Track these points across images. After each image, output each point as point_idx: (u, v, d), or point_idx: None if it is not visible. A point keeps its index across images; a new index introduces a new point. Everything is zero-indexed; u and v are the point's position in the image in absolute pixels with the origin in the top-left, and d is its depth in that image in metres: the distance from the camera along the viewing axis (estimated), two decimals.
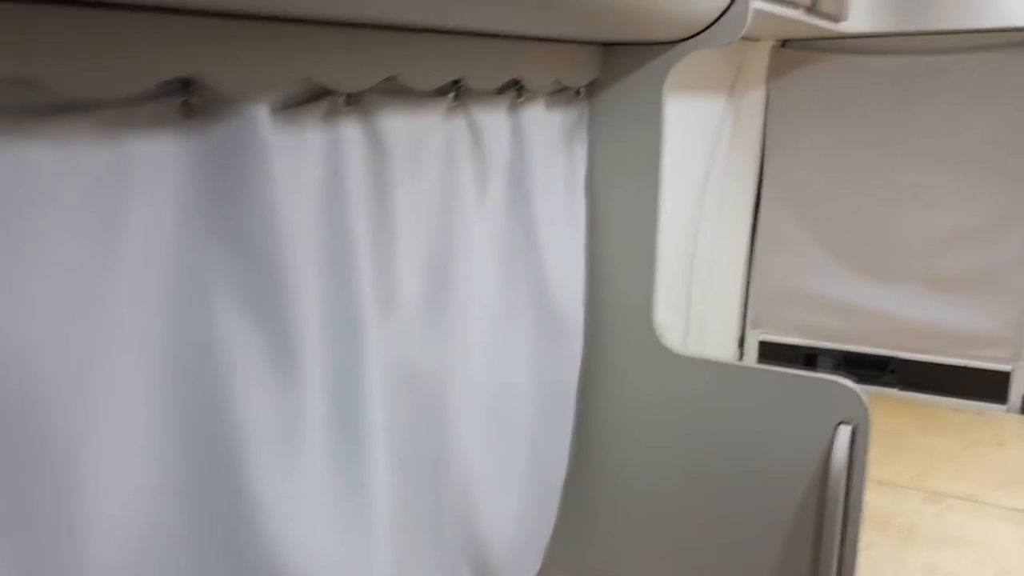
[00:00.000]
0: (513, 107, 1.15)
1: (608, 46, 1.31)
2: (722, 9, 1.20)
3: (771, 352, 2.50)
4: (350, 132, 0.85)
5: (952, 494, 1.79)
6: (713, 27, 1.22)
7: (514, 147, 1.17)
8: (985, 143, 2.13)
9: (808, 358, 2.45)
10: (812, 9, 1.66)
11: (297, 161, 0.78)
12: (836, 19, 1.88)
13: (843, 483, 1.23)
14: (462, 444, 1.10)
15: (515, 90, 1.14)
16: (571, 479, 1.42)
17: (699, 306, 2.44)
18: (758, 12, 1.34)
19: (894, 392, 2.35)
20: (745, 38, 2.30)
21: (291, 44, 0.75)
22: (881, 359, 2.36)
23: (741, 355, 2.55)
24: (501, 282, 1.19)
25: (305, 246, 0.78)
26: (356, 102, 0.86)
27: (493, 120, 1.10)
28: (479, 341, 1.13)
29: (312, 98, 0.81)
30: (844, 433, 1.23)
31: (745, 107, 2.36)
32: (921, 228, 2.24)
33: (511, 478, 1.25)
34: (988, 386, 2.25)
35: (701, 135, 2.22)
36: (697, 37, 1.23)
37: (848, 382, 1.22)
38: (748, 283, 2.50)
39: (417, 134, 0.95)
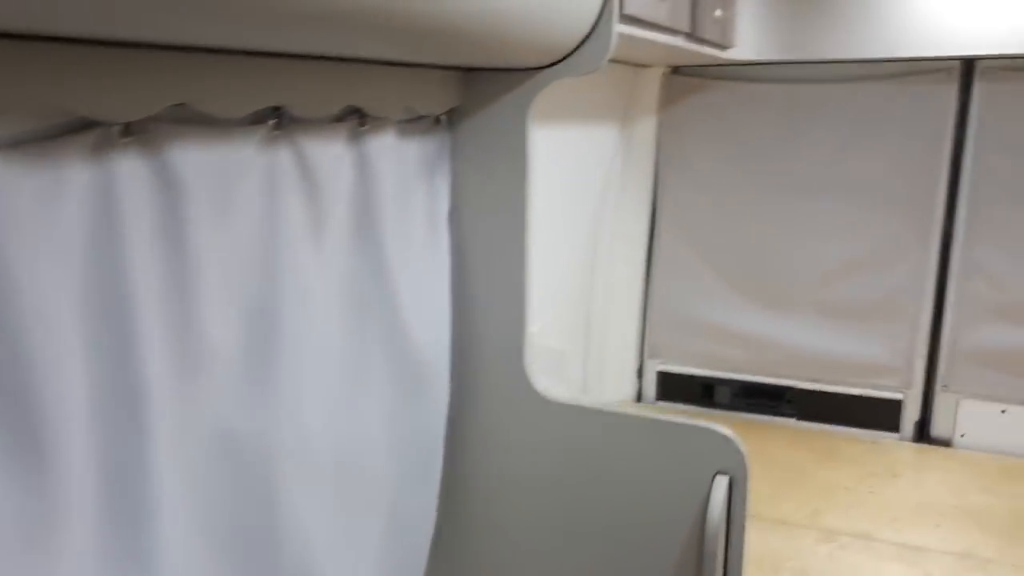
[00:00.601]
0: (355, 137, 1.04)
1: (469, 71, 1.22)
2: (584, 35, 1.12)
3: (670, 383, 2.44)
4: (128, 168, 0.73)
5: (846, 532, 1.75)
6: (576, 53, 1.14)
7: (358, 181, 1.06)
8: (873, 173, 2.13)
9: (706, 388, 2.41)
10: (693, 36, 1.61)
11: (45, 205, 0.65)
12: (722, 46, 1.84)
13: (721, 536, 1.15)
14: (299, 518, 0.97)
15: (357, 118, 1.03)
16: (440, 537, 1.31)
17: (598, 337, 2.37)
18: (627, 38, 1.28)
19: (791, 422, 2.32)
20: (634, 64, 2.27)
21: (36, 66, 0.63)
22: (778, 389, 2.33)
23: (640, 386, 2.49)
24: (347, 330, 1.07)
25: (58, 308, 0.65)
26: (137, 133, 0.74)
27: (328, 151, 0.98)
28: (317, 398, 1.01)
29: (74, 130, 0.68)
30: (721, 484, 1.15)
31: (638, 134, 2.32)
32: (813, 257, 2.22)
33: (366, 547, 1.13)
34: (882, 415, 2.24)
35: (593, 163, 2.16)
36: (560, 64, 1.15)
37: (726, 430, 1.15)
38: (646, 313, 2.45)
39: (223, 168, 0.83)
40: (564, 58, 1.15)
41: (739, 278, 2.31)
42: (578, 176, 2.08)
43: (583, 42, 1.13)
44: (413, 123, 1.16)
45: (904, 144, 2.09)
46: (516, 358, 1.27)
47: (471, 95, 1.23)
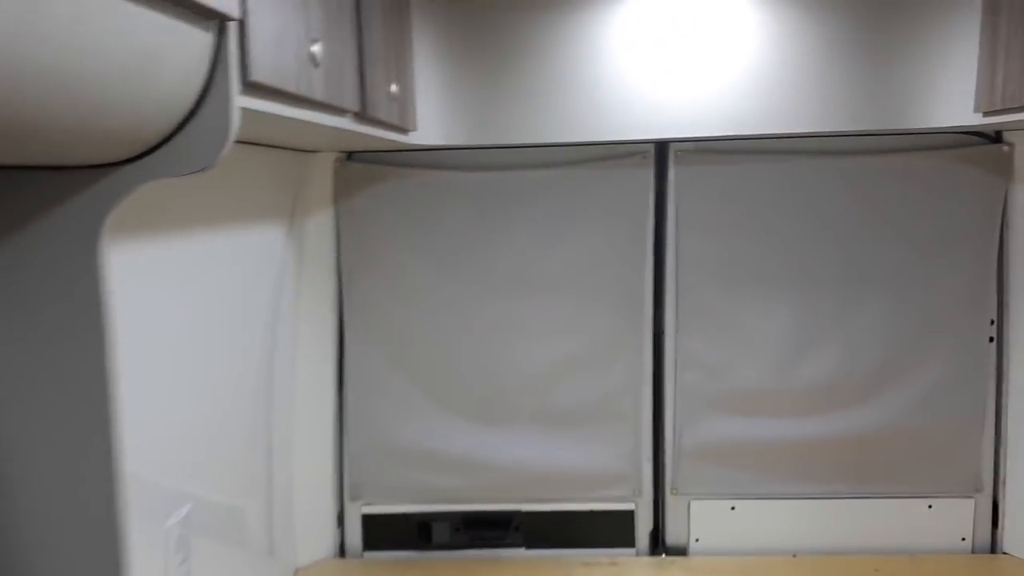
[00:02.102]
0: None
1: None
2: (183, 115, 0.70)
3: (378, 527, 2.02)
4: None
5: None
6: (173, 142, 0.72)
7: None
8: (580, 264, 1.93)
9: (422, 528, 2.02)
10: (365, 116, 1.27)
11: None
12: (402, 129, 1.52)
13: None
14: None
15: None
16: None
17: (283, 482, 1.88)
18: (264, 117, 0.88)
19: (521, 553, 2.01)
20: (297, 149, 1.88)
21: None
22: (504, 516, 2.01)
23: (343, 536, 2.04)
24: None
25: None
26: None
27: None
28: None
29: None
30: None
31: (312, 231, 1.92)
32: (526, 361, 1.96)
33: None
34: (616, 529, 2.01)
35: (256, 270, 1.71)
36: (149, 157, 0.72)
37: None
38: (342, 445, 2.02)
39: None
40: (155, 148, 0.72)
41: (445, 392, 1.97)
42: (237, 289, 1.62)
43: (183, 124, 0.71)
44: None
45: (609, 232, 1.92)
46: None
47: (6, 204, 0.75)
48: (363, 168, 1.93)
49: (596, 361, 1.95)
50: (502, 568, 1.95)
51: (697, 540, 1.99)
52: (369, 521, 2.02)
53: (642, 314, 1.95)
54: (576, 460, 1.98)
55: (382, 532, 2.02)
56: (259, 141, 1.52)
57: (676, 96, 1.73)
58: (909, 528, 1.96)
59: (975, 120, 1.58)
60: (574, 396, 1.96)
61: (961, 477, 1.96)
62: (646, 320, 1.95)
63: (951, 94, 1.66)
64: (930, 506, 1.96)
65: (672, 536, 2.01)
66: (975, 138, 1.87)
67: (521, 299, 1.95)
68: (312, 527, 1.98)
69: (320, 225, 1.93)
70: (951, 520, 1.96)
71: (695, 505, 1.99)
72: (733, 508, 1.99)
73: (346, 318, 1.97)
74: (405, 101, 1.50)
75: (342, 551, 2.03)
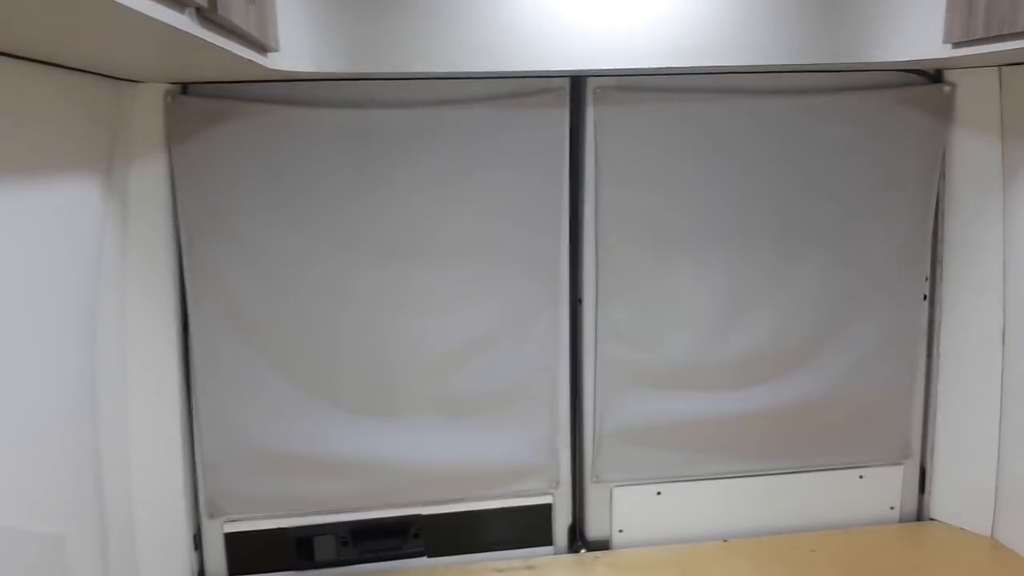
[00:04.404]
0: None
1: None
2: None
3: (246, 547, 1.66)
4: None
5: None
6: None
7: None
8: (482, 223, 1.62)
9: (301, 544, 1.68)
10: (211, 18, 0.88)
11: None
12: (260, 47, 1.13)
13: None
14: None
15: None
16: None
17: (118, 503, 1.49)
18: None
19: (422, 563, 1.71)
20: (116, 77, 1.43)
21: None
22: (400, 523, 1.70)
23: (200, 560, 1.66)
24: None
25: None
26: None
27: None
28: None
29: None
30: None
31: (139, 186, 1.49)
32: (419, 342, 1.64)
33: None
34: (532, 527, 1.75)
35: (57, 241, 1.28)
36: None
37: None
38: (193, 452, 1.63)
39: None
40: None
41: (323, 382, 1.62)
42: (37, 259, 1.19)
43: None
44: None
45: (516, 184, 1.61)
46: None
47: None
48: (203, 104, 1.51)
49: (504, 337, 1.66)
50: None
51: (621, 531, 1.77)
52: (234, 540, 1.66)
53: (557, 281, 1.66)
54: (483, 453, 1.69)
55: (252, 553, 1.66)
56: (60, 60, 1.09)
57: (597, 21, 1.43)
58: (840, 501, 1.83)
59: (919, 55, 1.39)
60: (479, 379, 1.66)
61: (891, 444, 1.83)
62: (562, 288, 1.67)
63: (895, 28, 1.46)
64: (861, 476, 1.83)
65: (593, 529, 1.77)
66: (915, 77, 1.69)
67: (411, 267, 1.61)
68: (160, 553, 1.59)
69: (149, 177, 1.50)
70: (880, 489, 1.84)
71: (618, 493, 1.76)
72: (659, 493, 1.77)
73: (189, 294, 1.56)
74: (265, 9, 1.11)
75: None
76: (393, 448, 1.66)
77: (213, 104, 1.51)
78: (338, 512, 1.67)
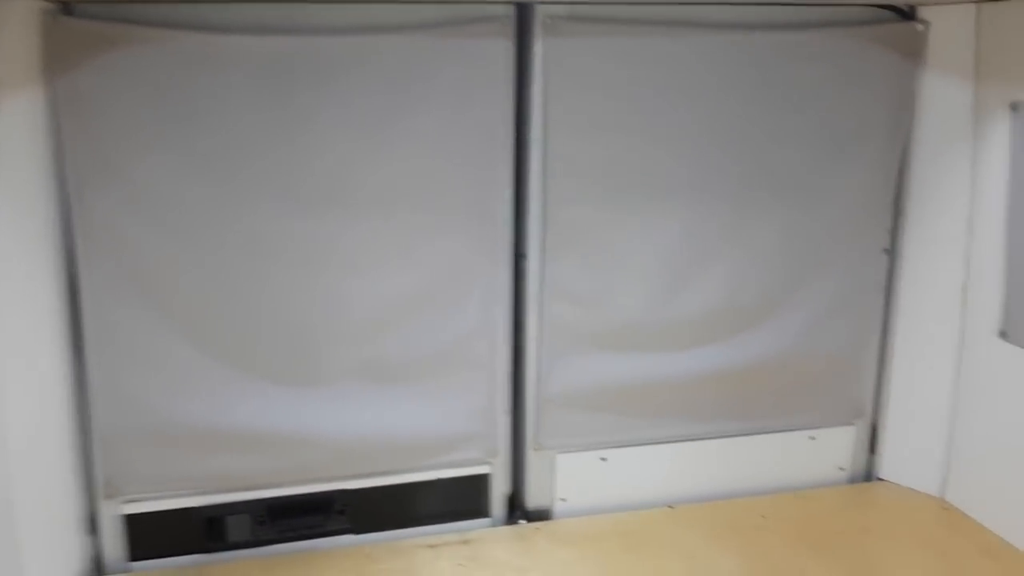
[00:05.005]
0: None
1: None
2: None
3: (148, 528, 1.49)
4: None
5: None
6: None
7: None
8: (414, 169, 1.43)
9: (212, 524, 1.51)
10: None
11: None
12: None
13: None
14: None
15: None
16: None
17: None
18: None
19: (348, 541, 1.57)
20: None
21: None
22: (323, 498, 1.56)
23: (98, 547, 1.49)
24: None
25: None
26: None
27: None
28: None
29: None
30: None
31: (10, 124, 1.26)
32: (345, 303, 1.47)
33: None
34: (468, 498, 1.62)
35: None
36: None
37: None
38: (87, 428, 1.44)
39: None
40: None
41: (235, 349, 1.44)
42: None
43: None
44: None
45: (454, 125, 1.42)
46: None
47: None
48: (91, 27, 1.27)
49: (440, 296, 1.50)
50: (324, 563, 1.51)
51: (563, 500, 1.66)
52: (135, 523, 1.48)
53: (498, 234, 1.50)
54: (415, 421, 1.55)
55: (155, 535, 1.49)
56: None
57: None
58: (791, 463, 1.75)
59: None
60: (411, 342, 1.51)
61: (844, 404, 1.76)
62: (504, 242, 1.51)
63: None
64: (812, 438, 1.76)
65: (534, 498, 1.66)
66: (888, 13, 1.55)
67: (336, 219, 1.43)
68: (47, 538, 1.40)
69: (22, 116, 1.26)
70: (831, 450, 1.78)
71: (561, 460, 1.65)
72: (604, 459, 1.66)
73: (80, 252, 1.35)
74: None
75: (99, 566, 1.49)
76: (315, 419, 1.50)
77: (103, 28, 1.27)
78: (253, 489, 1.51)
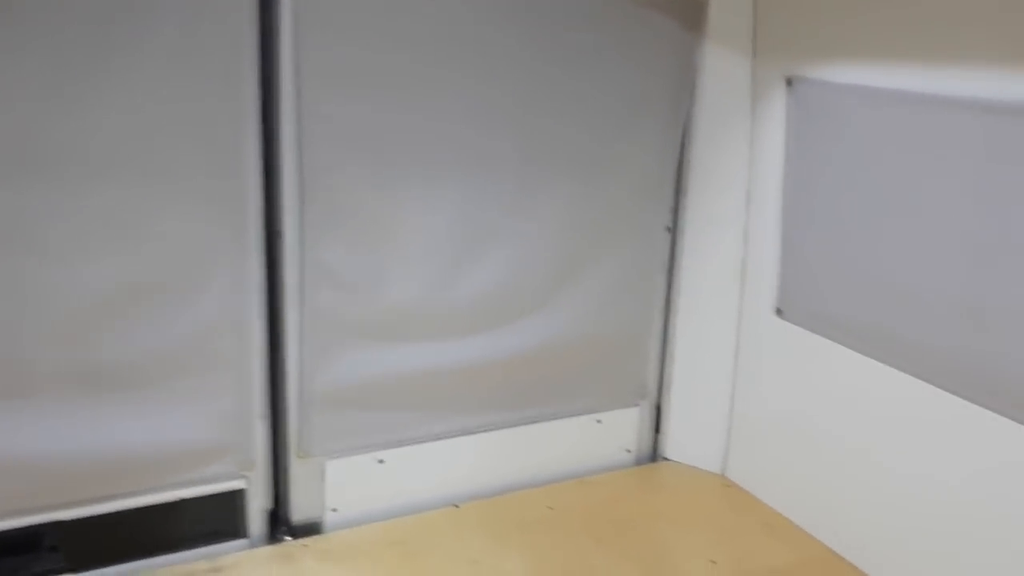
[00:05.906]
0: None
1: None
2: None
3: None
4: None
5: None
6: None
7: None
8: (133, 126, 1.17)
9: None
10: None
11: None
12: None
13: None
14: None
15: None
16: None
17: None
18: None
19: None
20: None
21: None
22: (28, 534, 1.26)
23: None
24: None
25: None
26: None
27: None
28: None
29: None
30: None
31: None
32: (49, 296, 1.18)
33: None
34: (219, 518, 1.39)
35: None
36: None
37: None
38: None
39: None
40: None
41: None
42: None
43: None
44: None
45: (183, 72, 1.17)
46: None
47: None
48: None
49: (171, 285, 1.25)
50: None
51: (334, 510, 1.48)
52: None
53: (245, 209, 1.27)
54: (143, 435, 1.29)
55: None
56: None
57: None
58: (578, 449, 1.68)
59: None
60: (135, 341, 1.25)
61: (629, 385, 1.71)
62: (252, 218, 1.28)
63: None
64: (599, 421, 1.69)
65: (300, 511, 1.46)
66: None
67: (33, 192, 1.13)
68: None
69: None
70: (617, 432, 1.73)
71: (331, 466, 1.46)
72: (382, 461, 1.50)
73: None
74: None
75: None
76: (14, 439, 1.20)
77: None
78: None
